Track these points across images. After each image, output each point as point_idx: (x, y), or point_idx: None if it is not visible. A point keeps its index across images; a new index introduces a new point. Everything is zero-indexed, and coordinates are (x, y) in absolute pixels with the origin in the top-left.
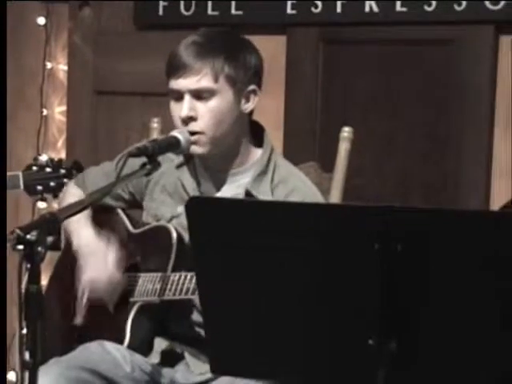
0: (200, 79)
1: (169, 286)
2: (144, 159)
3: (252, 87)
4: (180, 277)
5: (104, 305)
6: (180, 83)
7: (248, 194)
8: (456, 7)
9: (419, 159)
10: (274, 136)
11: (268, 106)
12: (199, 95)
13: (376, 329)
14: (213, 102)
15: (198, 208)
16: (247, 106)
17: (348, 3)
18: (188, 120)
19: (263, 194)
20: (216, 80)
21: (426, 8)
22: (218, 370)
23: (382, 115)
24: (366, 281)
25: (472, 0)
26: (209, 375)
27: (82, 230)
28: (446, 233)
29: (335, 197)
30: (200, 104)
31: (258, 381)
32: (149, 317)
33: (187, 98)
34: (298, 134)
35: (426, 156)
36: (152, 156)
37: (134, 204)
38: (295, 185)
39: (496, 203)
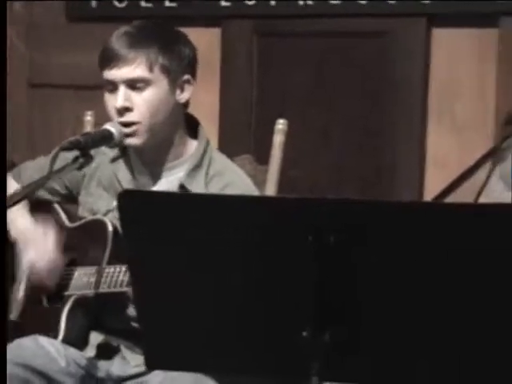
0: (134, 69)
1: (104, 279)
2: (77, 153)
3: (186, 77)
4: (115, 269)
5: (43, 290)
6: (114, 74)
7: (182, 188)
8: (389, 0)
9: (354, 151)
10: (209, 129)
11: (203, 99)
12: (134, 85)
13: (310, 321)
14: (148, 92)
15: (129, 201)
16: (182, 96)
17: None
18: (123, 111)
19: (197, 187)
20: (151, 70)
21: (360, 1)
22: (152, 364)
23: (316, 108)
24: (301, 273)
25: None
26: (144, 367)
27: (19, 219)
28: (379, 224)
29: (270, 189)
30: (135, 94)
31: (192, 374)
32: (84, 310)
33: (122, 88)
34: (234, 127)
35: (361, 148)
36: (84, 149)
37: (71, 198)
38: (230, 178)
39: (430, 195)
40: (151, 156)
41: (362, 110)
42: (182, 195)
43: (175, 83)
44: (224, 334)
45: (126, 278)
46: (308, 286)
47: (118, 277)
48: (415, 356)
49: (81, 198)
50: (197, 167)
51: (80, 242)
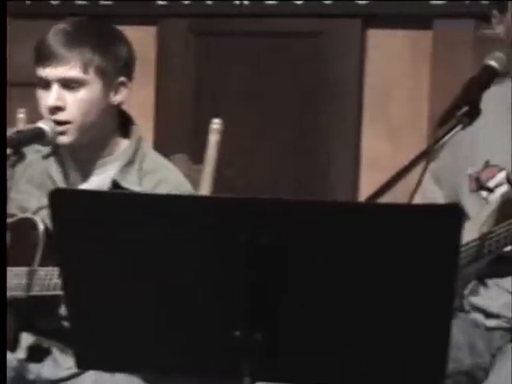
0: (69, 69)
1: (36, 281)
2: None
3: (122, 79)
4: (47, 272)
5: None
6: (48, 72)
7: (115, 184)
8: (324, 1)
9: (289, 151)
10: (145, 127)
11: (138, 97)
12: (67, 85)
13: (243, 321)
14: (81, 93)
15: (60, 200)
16: (116, 98)
17: None
18: (55, 110)
19: (131, 184)
20: (85, 71)
21: (295, 1)
22: (83, 365)
23: (253, 107)
24: (234, 273)
25: None
26: (76, 370)
27: None
28: (312, 224)
29: (205, 189)
30: (68, 94)
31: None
32: (14, 312)
33: (55, 87)
34: (169, 126)
35: (296, 148)
36: (17, 147)
37: None
38: (163, 175)
39: (364, 195)
40: (82, 154)
41: (298, 110)
42: (114, 194)
43: (110, 85)
44: (156, 334)
45: (60, 281)
46: (241, 285)
47: (50, 279)
48: (347, 356)
49: (11, 196)
50: (129, 163)
51: (10, 241)
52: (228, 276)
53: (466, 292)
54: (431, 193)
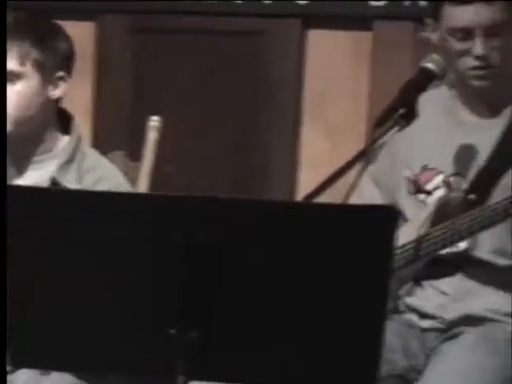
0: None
1: None
2: None
3: (61, 73)
4: None
5: None
6: None
7: (54, 182)
8: (264, 1)
9: (228, 150)
10: (83, 124)
11: (77, 94)
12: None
13: (178, 319)
14: (18, 86)
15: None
16: (55, 93)
17: None
18: None
19: (70, 182)
20: (22, 63)
21: (235, 1)
22: (18, 363)
23: (193, 105)
24: (169, 271)
25: None
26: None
27: None
28: (245, 223)
29: (143, 186)
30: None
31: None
32: None
33: None
34: (108, 123)
35: (235, 147)
36: None
37: None
38: (102, 173)
39: (303, 194)
40: (18, 149)
41: (237, 109)
42: (54, 190)
43: (48, 79)
44: (91, 332)
45: None
46: (176, 283)
47: None
48: (282, 355)
49: None
50: (69, 161)
51: None
52: (163, 274)
53: (402, 293)
54: (369, 195)
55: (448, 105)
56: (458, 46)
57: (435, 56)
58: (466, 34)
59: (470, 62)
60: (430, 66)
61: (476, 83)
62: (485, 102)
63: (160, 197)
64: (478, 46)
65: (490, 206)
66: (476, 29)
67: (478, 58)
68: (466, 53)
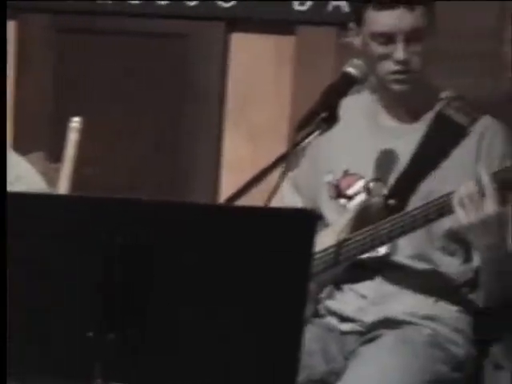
0: None
1: None
2: None
3: None
4: None
5: None
6: None
7: None
8: (188, 2)
9: (151, 152)
10: None
11: None
12: None
13: (97, 322)
14: None
15: None
16: None
17: None
18: None
19: None
20: None
21: (159, 2)
22: None
23: (115, 107)
24: (90, 273)
25: None
26: None
27: None
28: (170, 225)
29: (63, 187)
30: None
31: None
32: None
33: None
34: (29, 123)
35: (158, 150)
36: None
37: None
38: (19, 173)
39: (224, 198)
40: None
41: (161, 112)
42: None
43: None
44: (11, 334)
45: None
46: (96, 285)
47: None
48: (201, 358)
49: None
50: None
51: None
52: (85, 276)
53: (322, 296)
54: (290, 198)
55: (369, 110)
56: (380, 50)
57: (357, 61)
58: (388, 38)
59: (390, 66)
60: (351, 70)
61: (396, 87)
62: (405, 107)
63: (86, 198)
64: (399, 51)
65: (409, 212)
66: (397, 34)
67: (398, 62)
68: (387, 57)
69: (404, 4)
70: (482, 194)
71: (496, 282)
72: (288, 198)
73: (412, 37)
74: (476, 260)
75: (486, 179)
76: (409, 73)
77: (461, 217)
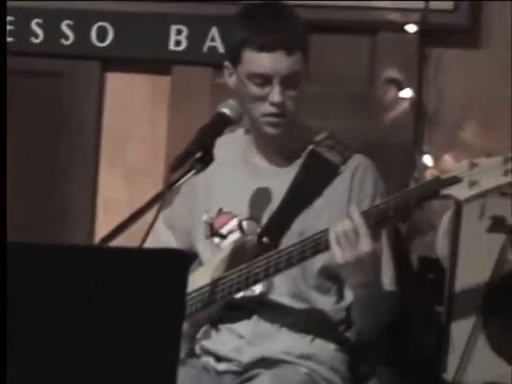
0: None
1: None
2: None
3: None
4: None
5: None
6: None
7: None
8: (63, 41)
9: (28, 191)
10: None
11: None
12: None
13: None
14: None
15: None
16: None
17: None
18: None
19: None
20: None
21: (34, 40)
22: None
23: None
24: None
25: (79, 35)
26: None
27: None
28: (43, 267)
29: None
30: None
31: None
32: None
33: None
34: None
35: (34, 188)
36: None
37: None
38: None
39: (100, 238)
40: None
41: (37, 151)
42: None
43: None
44: None
45: None
46: None
47: None
48: None
49: None
50: None
51: None
52: None
53: (198, 336)
54: (165, 238)
55: (244, 150)
56: (256, 91)
57: (232, 101)
58: (265, 80)
59: (265, 108)
60: (226, 111)
61: (269, 130)
62: (278, 149)
63: None
64: (274, 94)
65: (285, 249)
66: (274, 76)
67: (273, 105)
68: (262, 99)
69: (282, 48)
70: (356, 231)
71: (366, 319)
72: (162, 236)
73: (288, 81)
74: (348, 297)
75: (357, 217)
76: (283, 116)
77: (336, 254)
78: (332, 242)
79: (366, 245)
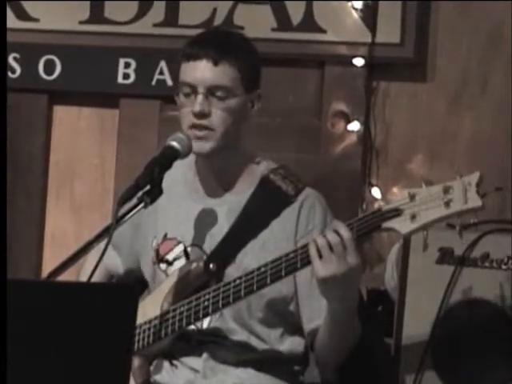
0: None
1: None
2: None
3: None
4: None
5: None
6: None
7: None
8: (10, 74)
9: None
10: None
11: None
12: None
13: None
14: None
15: None
16: None
17: None
18: None
19: None
20: None
21: None
22: None
23: None
24: None
25: (26, 68)
26: None
27: None
28: None
29: None
30: None
31: None
32: None
33: None
34: None
35: None
36: None
37: None
38: None
39: (47, 272)
40: None
41: None
42: None
43: None
44: None
45: None
46: None
47: None
48: None
49: None
50: None
51: None
52: None
53: (151, 370)
54: (111, 259)
55: (189, 177)
56: (184, 101)
57: (180, 134)
58: (192, 90)
59: (190, 118)
60: (174, 144)
61: (196, 146)
62: (216, 173)
63: None
64: (196, 103)
65: (231, 282)
66: (199, 86)
67: (195, 115)
68: (189, 110)
69: (208, 58)
70: (343, 245)
71: (333, 340)
72: (109, 257)
73: (214, 92)
74: (307, 328)
75: (345, 230)
76: (207, 129)
77: (319, 268)
78: (313, 256)
79: (354, 258)
